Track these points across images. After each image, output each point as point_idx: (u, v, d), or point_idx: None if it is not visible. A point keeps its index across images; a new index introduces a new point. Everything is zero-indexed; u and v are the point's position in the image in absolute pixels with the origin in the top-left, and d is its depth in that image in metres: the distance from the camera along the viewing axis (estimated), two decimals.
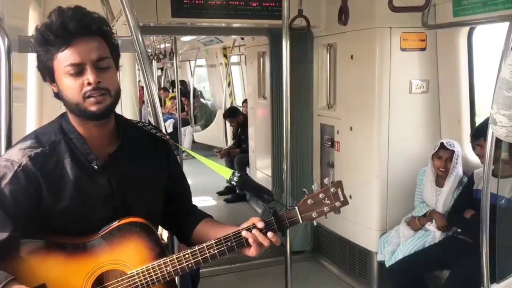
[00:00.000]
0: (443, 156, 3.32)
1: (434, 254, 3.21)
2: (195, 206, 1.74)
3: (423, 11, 3.26)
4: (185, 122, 9.40)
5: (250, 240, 1.45)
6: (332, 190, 1.48)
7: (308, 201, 1.48)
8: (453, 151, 3.28)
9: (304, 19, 3.44)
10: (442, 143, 3.33)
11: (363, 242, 3.82)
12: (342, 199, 1.48)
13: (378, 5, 3.42)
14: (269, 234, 1.46)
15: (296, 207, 1.48)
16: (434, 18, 3.49)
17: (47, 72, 1.40)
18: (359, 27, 3.59)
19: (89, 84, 1.34)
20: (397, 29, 3.49)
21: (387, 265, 3.42)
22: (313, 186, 1.50)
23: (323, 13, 4.06)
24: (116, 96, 1.42)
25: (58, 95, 1.44)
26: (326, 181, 1.49)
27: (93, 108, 1.36)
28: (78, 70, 1.34)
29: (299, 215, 1.47)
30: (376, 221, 3.67)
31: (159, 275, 1.42)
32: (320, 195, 1.48)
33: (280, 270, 3.08)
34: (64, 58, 1.34)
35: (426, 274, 3.32)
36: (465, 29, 3.44)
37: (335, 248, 4.21)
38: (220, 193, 6.56)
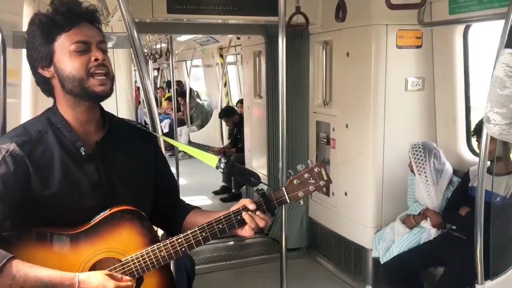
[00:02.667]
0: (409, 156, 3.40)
1: (429, 251, 3.22)
2: (182, 200, 1.77)
3: (419, 9, 3.27)
4: (181, 122, 9.41)
5: (248, 220, 1.49)
6: (316, 170, 1.53)
7: (294, 181, 1.53)
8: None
9: (303, 16, 3.43)
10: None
11: (358, 239, 3.83)
12: (325, 178, 1.54)
13: (374, 2, 3.43)
14: (259, 212, 1.51)
15: (283, 188, 1.54)
16: (430, 15, 3.50)
17: (44, 56, 1.43)
18: (355, 24, 3.59)
19: (96, 60, 1.41)
20: (393, 26, 3.49)
21: (381, 262, 3.43)
22: (298, 166, 1.55)
23: (319, 10, 4.07)
24: (113, 80, 1.48)
25: (45, 82, 1.46)
26: (309, 162, 1.54)
27: (97, 89, 1.42)
28: (84, 47, 1.41)
29: (286, 194, 1.53)
30: (371, 218, 3.68)
31: (153, 260, 1.44)
32: (305, 175, 1.53)
33: (276, 267, 3.08)
34: (69, 37, 1.41)
35: (421, 271, 3.32)
36: (461, 27, 3.45)
37: (330, 245, 4.22)
38: (216, 193, 6.56)
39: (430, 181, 3.31)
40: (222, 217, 1.49)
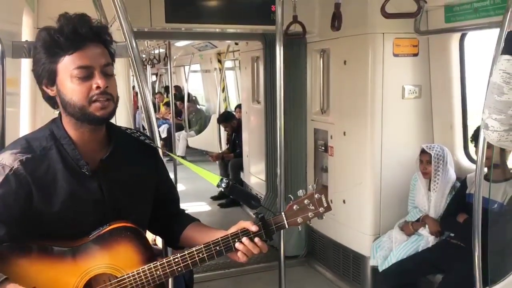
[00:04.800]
0: (423, 159, 3.38)
1: (427, 259, 3.22)
2: (182, 211, 1.76)
3: (416, 17, 3.29)
4: (180, 127, 9.39)
5: (240, 248, 1.49)
6: (316, 196, 1.52)
7: (294, 207, 1.52)
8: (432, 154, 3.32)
9: (300, 25, 3.45)
10: (422, 147, 3.38)
11: (356, 246, 3.83)
12: (325, 205, 1.53)
13: (371, 11, 3.45)
14: (256, 239, 1.50)
15: (283, 213, 1.53)
16: (427, 24, 3.53)
17: (47, 75, 1.40)
18: (352, 32, 3.61)
19: (97, 88, 1.37)
20: (390, 34, 3.51)
21: (380, 270, 3.43)
22: (298, 192, 1.54)
23: (316, 19, 4.08)
24: (117, 103, 1.46)
25: (50, 98, 1.45)
26: (311, 187, 1.53)
27: (98, 113, 1.39)
28: (87, 73, 1.37)
29: (285, 220, 1.52)
30: (369, 226, 3.68)
31: (149, 278, 1.44)
32: (305, 201, 1.52)
33: (274, 275, 3.08)
34: (72, 61, 1.37)
35: (419, 279, 3.32)
36: (457, 35, 3.47)
37: (328, 253, 4.22)
38: (214, 198, 6.53)
39: (439, 187, 3.31)
40: (220, 239, 1.49)
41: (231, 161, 6.62)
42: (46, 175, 1.40)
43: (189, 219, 1.70)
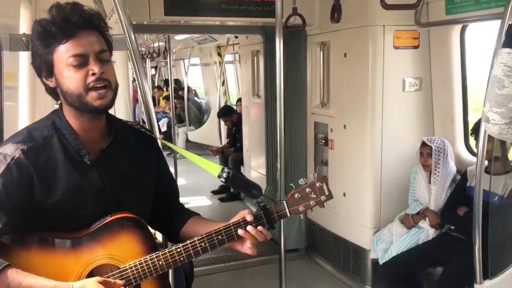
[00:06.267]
0: (423, 152, 3.37)
1: (428, 251, 3.23)
2: (182, 205, 1.76)
3: (416, 9, 3.28)
4: (179, 121, 9.37)
5: (247, 236, 1.49)
6: (318, 184, 1.53)
7: (296, 195, 1.53)
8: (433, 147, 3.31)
9: (299, 17, 3.44)
10: (423, 140, 3.37)
11: (357, 239, 3.83)
12: (327, 193, 1.53)
13: (371, 3, 3.43)
14: (259, 227, 1.51)
15: (284, 201, 1.54)
16: (427, 16, 3.51)
17: (45, 66, 1.41)
18: (352, 25, 3.60)
19: (93, 74, 1.37)
20: (390, 27, 3.49)
21: (380, 263, 3.44)
22: (299, 180, 1.55)
23: (316, 11, 4.07)
24: (116, 90, 1.45)
25: (53, 91, 1.45)
26: (312, 176, 1.54)
27: (96, 103, 1.39)
28: (82, 61, 1.37)
29: (287, 208, 1.53)
30: (369, 219, 3.69)
31: (151, 268, 1.44)
32: (307, 190, 1.53)
33: (274, 268, 3.08)
34: (67, 50, 1.37)
35: (420, 271, 3.33)
36: (458, 27, 3.46)
37: (329, 246, 4.22)
38: (214, 192, 6.53)
39: (440, 179, 3.31)
40: (221, 228, 1.49)
41: (231, 155, 6.61)
42: (47, 164, 1.40)
43: (190, 213, 1.70)
